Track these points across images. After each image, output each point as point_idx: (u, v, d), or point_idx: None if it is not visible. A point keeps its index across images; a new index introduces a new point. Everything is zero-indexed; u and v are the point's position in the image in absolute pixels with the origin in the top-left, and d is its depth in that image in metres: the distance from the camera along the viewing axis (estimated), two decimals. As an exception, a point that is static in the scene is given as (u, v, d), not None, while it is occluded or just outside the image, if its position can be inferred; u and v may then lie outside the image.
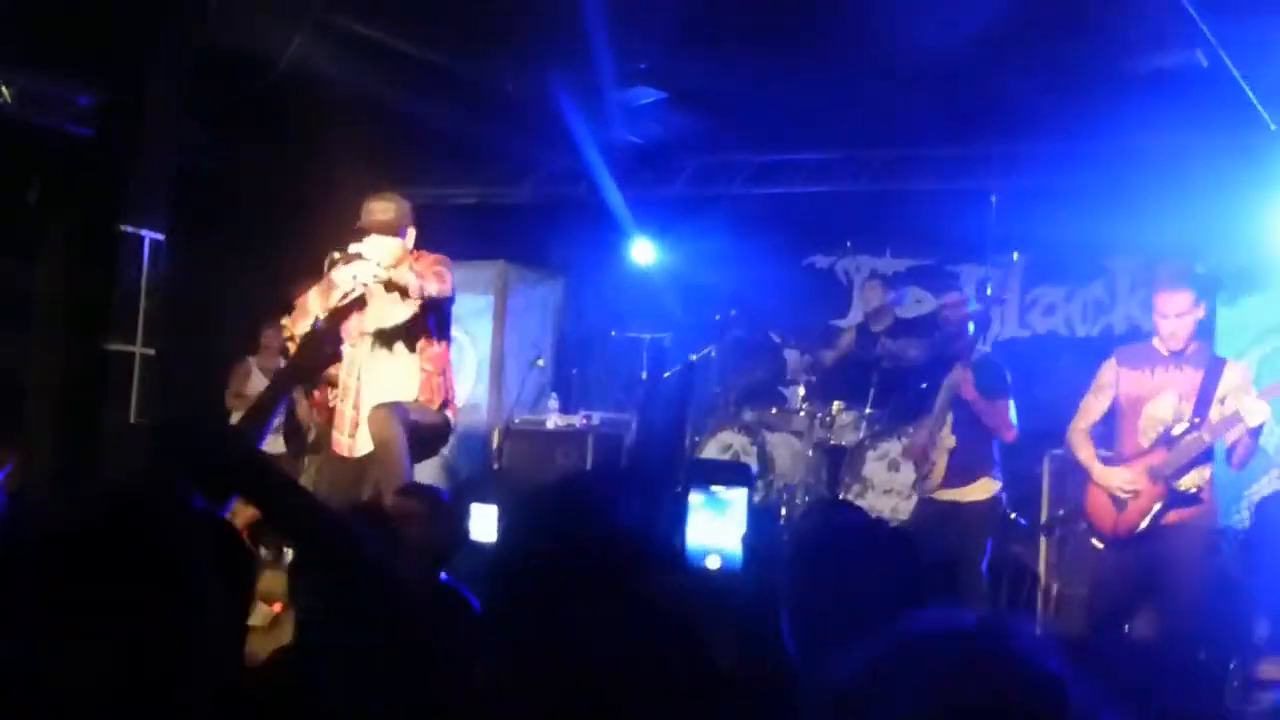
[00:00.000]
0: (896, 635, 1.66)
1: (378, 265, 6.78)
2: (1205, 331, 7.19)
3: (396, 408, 6.87)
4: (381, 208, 7.01)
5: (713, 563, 2.51)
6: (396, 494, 5.76)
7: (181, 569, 2.05)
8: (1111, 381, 6.95)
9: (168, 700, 1.98)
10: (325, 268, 7.04)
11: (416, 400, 7.08)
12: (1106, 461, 6.89)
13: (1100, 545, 6.93)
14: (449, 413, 7.26)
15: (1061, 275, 11.55)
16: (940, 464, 8.00)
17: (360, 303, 7.04)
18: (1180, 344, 6.71)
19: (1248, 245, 9.56)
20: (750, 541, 2.46)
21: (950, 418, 7.99)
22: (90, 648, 1.95)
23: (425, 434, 7.04)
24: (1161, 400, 6.73)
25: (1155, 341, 6.86)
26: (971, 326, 8.13)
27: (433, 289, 6.87)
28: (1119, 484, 6.74)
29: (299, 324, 7.01)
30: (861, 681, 1.63)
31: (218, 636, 2.12)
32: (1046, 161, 10.62)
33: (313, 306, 6.96)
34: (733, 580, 2.47)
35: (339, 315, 6.95)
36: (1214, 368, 6.70)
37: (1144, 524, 6.65)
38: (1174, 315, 6.70)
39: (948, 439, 7.96)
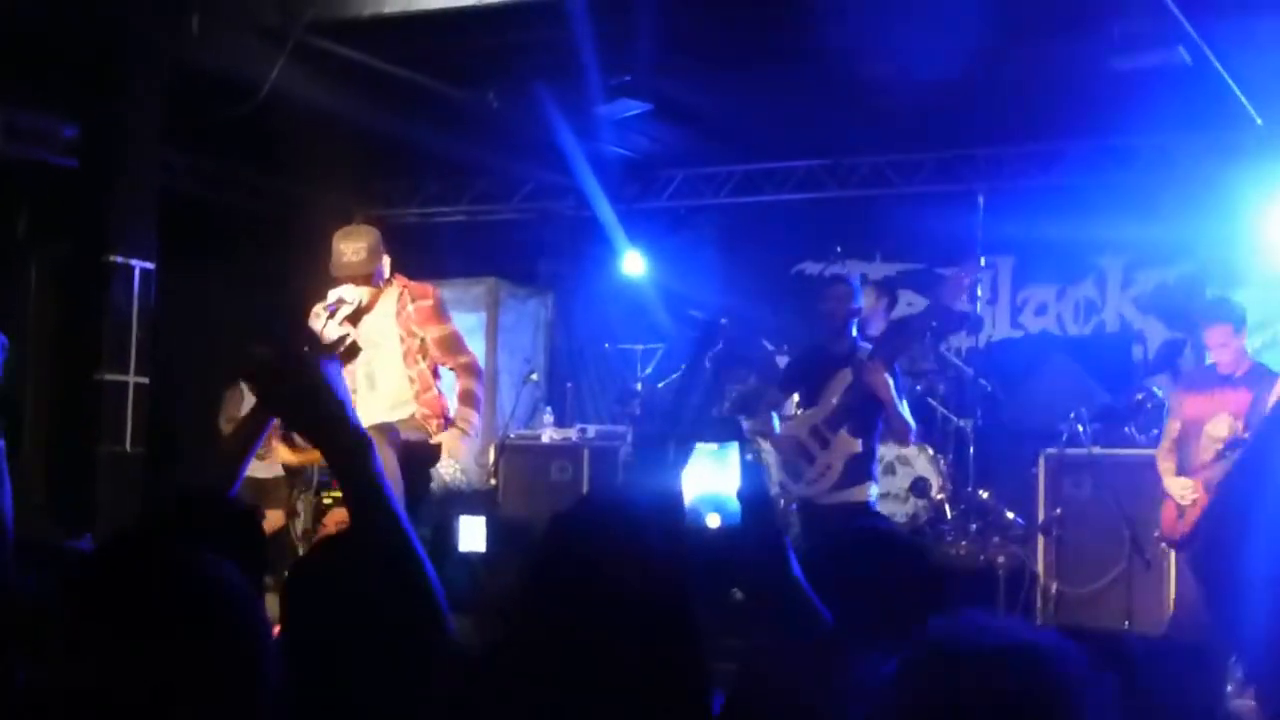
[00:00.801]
0: (924, 653, 1.65)
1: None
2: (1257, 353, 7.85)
3: (386, 429, 6.86)
4: (352, 249, 6.89)
5: (713, 521, 2.50)
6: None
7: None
8: (1177, 407, 7.79)
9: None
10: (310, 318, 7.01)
11: (412, 417, 7.08)
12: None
13: (1166, 547, 7.91)
14: (438, 425, 7.26)
15: (1051, 275, 11.56)
16: (837, 469, 7.44)
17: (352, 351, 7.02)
18: (1230, 368, 7.47)
19: (1236, 240, 9.58)
20: (745, 495, 2.45)
21: (848, 419, 7.40)
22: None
23: (419, 452, 7.03)
24: (1218, 420, 7.41)
25: (1217, 365, 7.58)
26: (855, 327, 7.72)
27: (434, 335, 7.01)
28: (1179, 492, 7.50)
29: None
30: (894, 690, 1.63)
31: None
32: (1033, 162, 10.66)
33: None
34: (734, 536, 2.46)
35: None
36: (1264, 386, 7.30)
37: (1194, 530, 7.38)
38: (1219, 346, 7.49)
39: (850, 443, 7.40)
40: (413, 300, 7.04)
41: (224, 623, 2.00)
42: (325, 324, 6.87)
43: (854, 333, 7.65)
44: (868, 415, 7.43)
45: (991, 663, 1.59)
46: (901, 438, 7.96)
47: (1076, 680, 1.58)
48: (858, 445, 7.36)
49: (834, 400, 7.44)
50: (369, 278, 6.90)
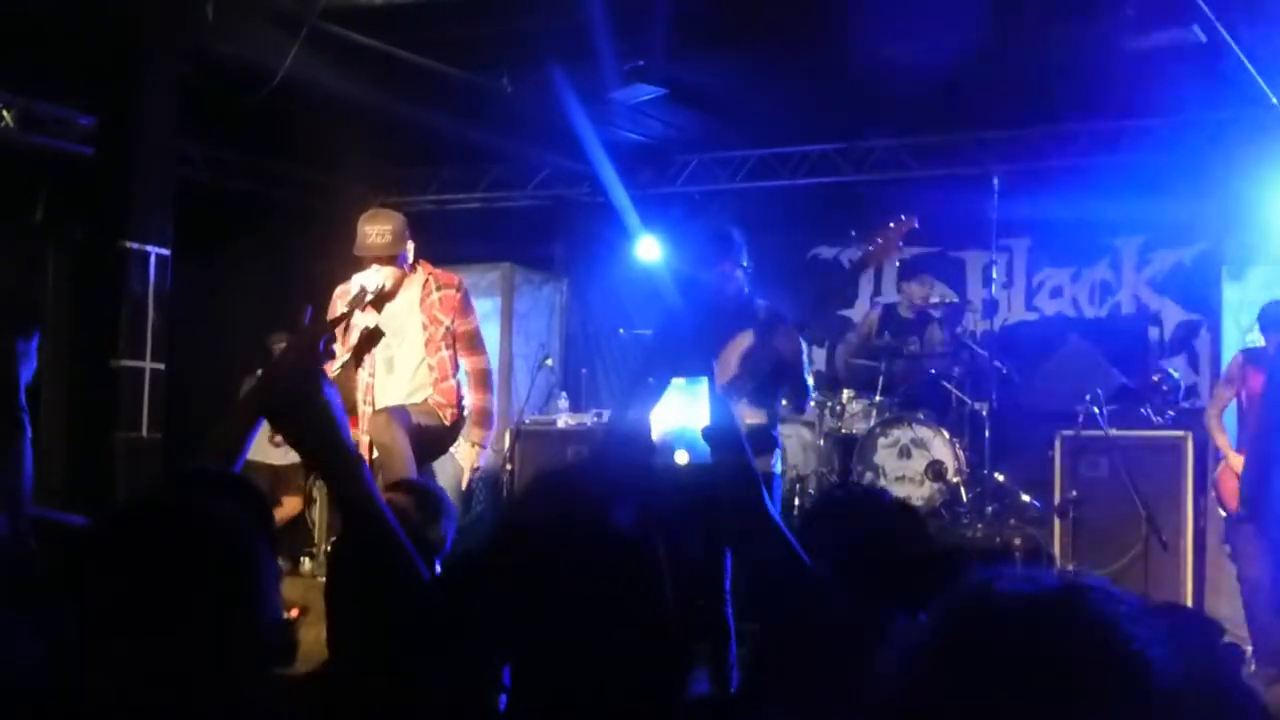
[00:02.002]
0: (964, 599, 1.60)
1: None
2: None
3: (397, 411, 6.88)
4: (377, 231, 6.93)
5: (681, 459, 2.49)
6: (386, 490, 5.75)
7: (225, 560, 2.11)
8: (1237, 376, 8.10)
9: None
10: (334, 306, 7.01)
11: (425, 402, 7.09)
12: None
13: (1225, 514, 8.09)
14: (454, 412, 7.27)
15: (1067, 257, 11.55)
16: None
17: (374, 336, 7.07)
18: None
19: (1252, 219, 9.55)
20: (715, 431, 2.44)
21: (750, 387, 6.73)
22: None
23: (430, 435, 7.04)
24: None
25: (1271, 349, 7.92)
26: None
27: (460, 327, 7.08)
28: (1240, 468, 7.78)
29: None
30: (932, 647, 1.58)
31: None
32: (1048, 143, 10.63)
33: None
34: (706, 473, 2.45)
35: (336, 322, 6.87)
36: None
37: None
38: None
39: (751, 413, 6.71)
40: (438, 288, 7.06)
41: (223, 553, 2.08)
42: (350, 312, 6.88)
43: (746, 290, 6.99)
44: (772, 382, 6.82)
45: (1039, 605, 1.55)
46: (799, 407, 7.50)
47: (1127, 619, 1.55)
48: (761, 416, 6.72)
49: (733, 364, 6.76)
50: (393, 259, 6.92)
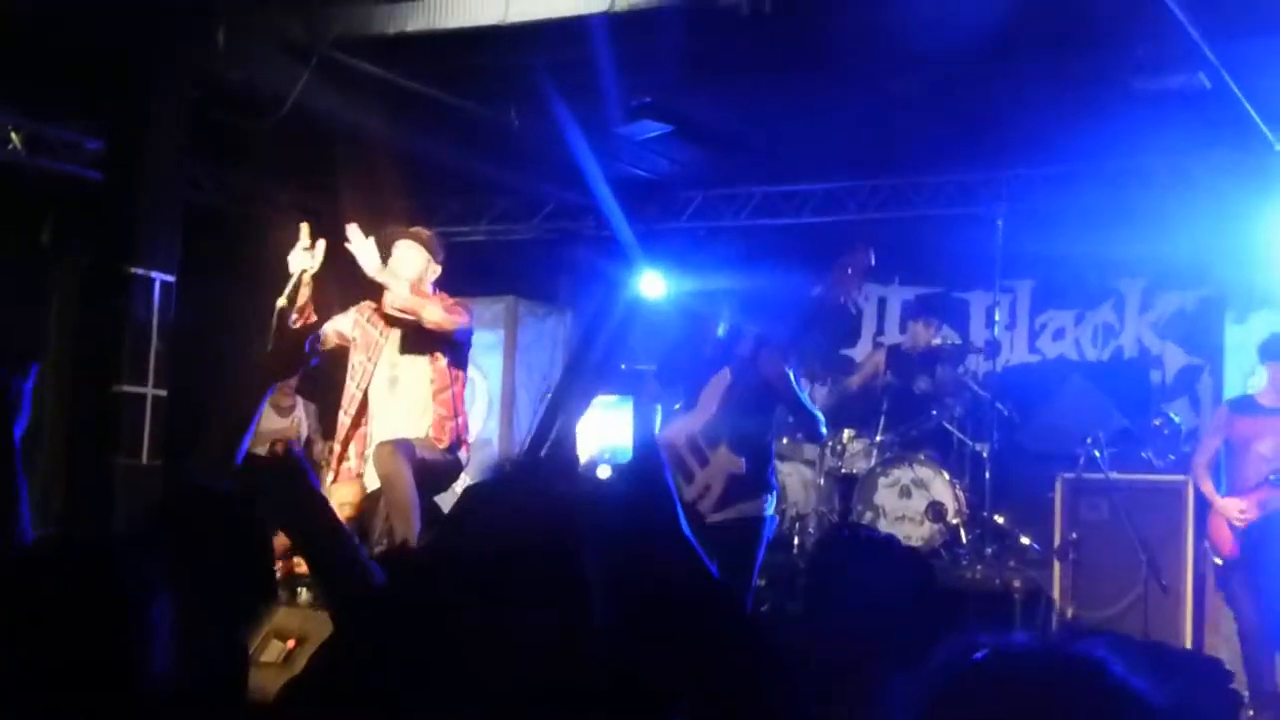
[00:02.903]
0: (965, 657, 1.60)
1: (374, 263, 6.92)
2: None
3: (401, 444, 6.89)
4: (420, 229, 7.46)
5: (603, 474, 2.51)
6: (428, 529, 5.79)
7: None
8: (1223, 425, 8.30)
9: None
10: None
11: (425, 437, 7.10)
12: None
13: (1219, 562, 8.17)
14: (462, 452, 7.28)
15: (1070, 299, 11.56)
16: (716, 491, 6.47)
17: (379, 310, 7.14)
18: (1272, 401, 8.06)
19: (1255, 263, 9.57)
20: (634, 448, 2.47)
21: (729, 429, 6.54)
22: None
23: (434, 469, 7.04)
24: (1265, 441, 7.96)
25: (1257, 395, 8.26)
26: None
27: (451, 325, 7.00)
28: (1235, 512, 7.98)
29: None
30: (934, 703, 1.58)
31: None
32: (1052, 184, 10.64)
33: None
34: (622, 490, 2.47)
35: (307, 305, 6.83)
36: None
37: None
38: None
39: (730, 460, 6.48)
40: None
41: (104, 617, 2.09)
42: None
43: (724, 330, 6.87)
44: (754, 424, 6.63)
45: (1040, 672, 1.55)
46: (813, 434, 7.42)
47: (1130, 689, 1.55)
48: (740, 464, 6.46)
49: (713, 406, 6.59)
50: (427, 245, 7.33)
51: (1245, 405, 8.26)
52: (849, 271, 6.91)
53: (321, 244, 6.69)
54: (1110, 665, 1.54)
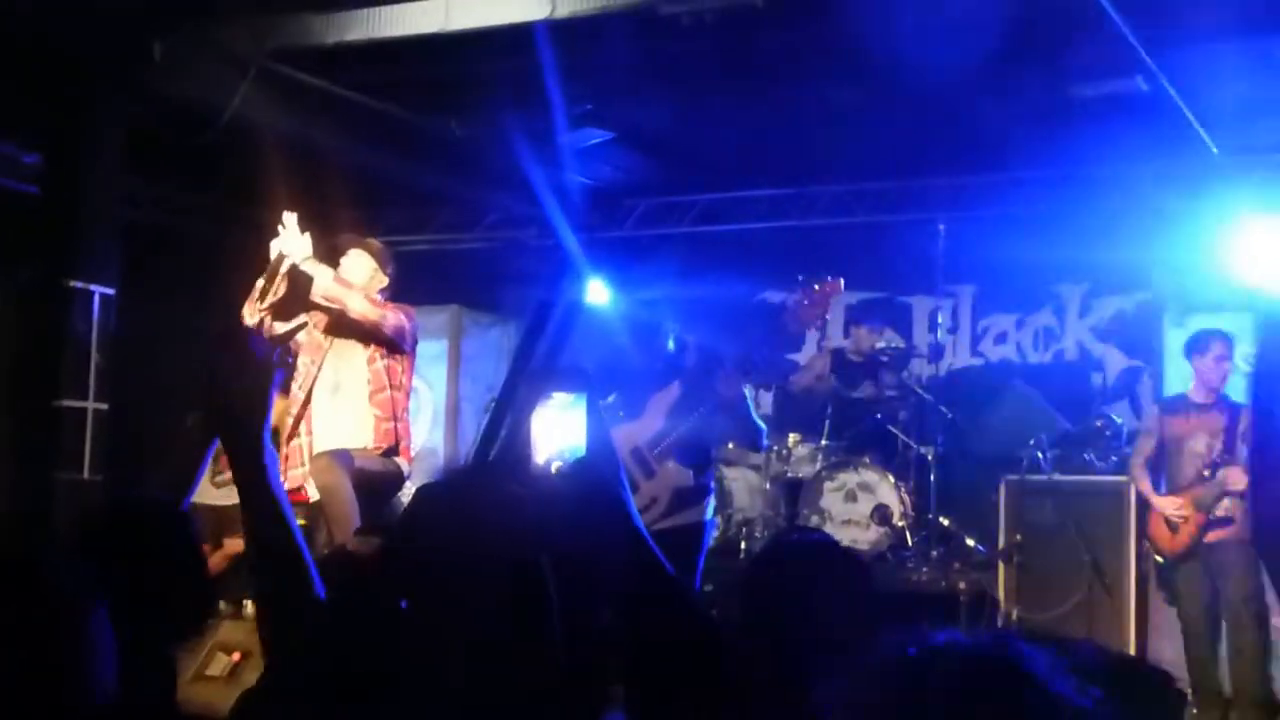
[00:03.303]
0: (897, 649, 1.61)
1: (305, 251, 6.87)
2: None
3: (339, 454, 6.86)
4: (373, 240, 7.52)
5: (556, 470, 2.53)
6: (355, 534, 5.74)
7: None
8: (1155, 426, 8.37)
9: None
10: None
11: (364, 448, 7.07)
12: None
13: (1160, 560, 8.21)
14: (400, 459, 7.23)
15: (1011, 303, 11.66)
16: (664, 501, 6.50)
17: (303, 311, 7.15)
18: (1203, 397, 8.14)
19: (1193, 267, 9.66)
20: (587, 447, 2.49)
21: (679, 446, 6.52)
22: None
23: (373, 480, 7.00)
24: (1198, 439, 8.06)
25: (1188, 392, 8.26)
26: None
27: (375, 316, 6.98)
28: (1172, 510, 8.04)
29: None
30: (858, 702, 1.60)
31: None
32: (993, 191, 10.72)
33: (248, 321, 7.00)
34: (570, 483, 2.50)
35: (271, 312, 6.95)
36: (1234, 412, 8.03)
37: (1190, 543, 7.95)
38: (1213, 379, 8.14)
39: (680, 475, 6.50)
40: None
41: (42, 631, 2.08)
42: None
43: (672, 346, 6.90)
44: (702, 437, 6.64)
45: (960, 667, 1.57)
46: (755, 445, 7.81)
47: (1048, 685, 1.56)
48: (689, 477, 6.52)
49: (660, 419, 6.58)
50: (376, 256, 7.35)
51: (1176, 404, 8.34)
52: (817, 300, 6.79)
53: (308, 237, 6.81)
54: (1032, 666, 1.55)
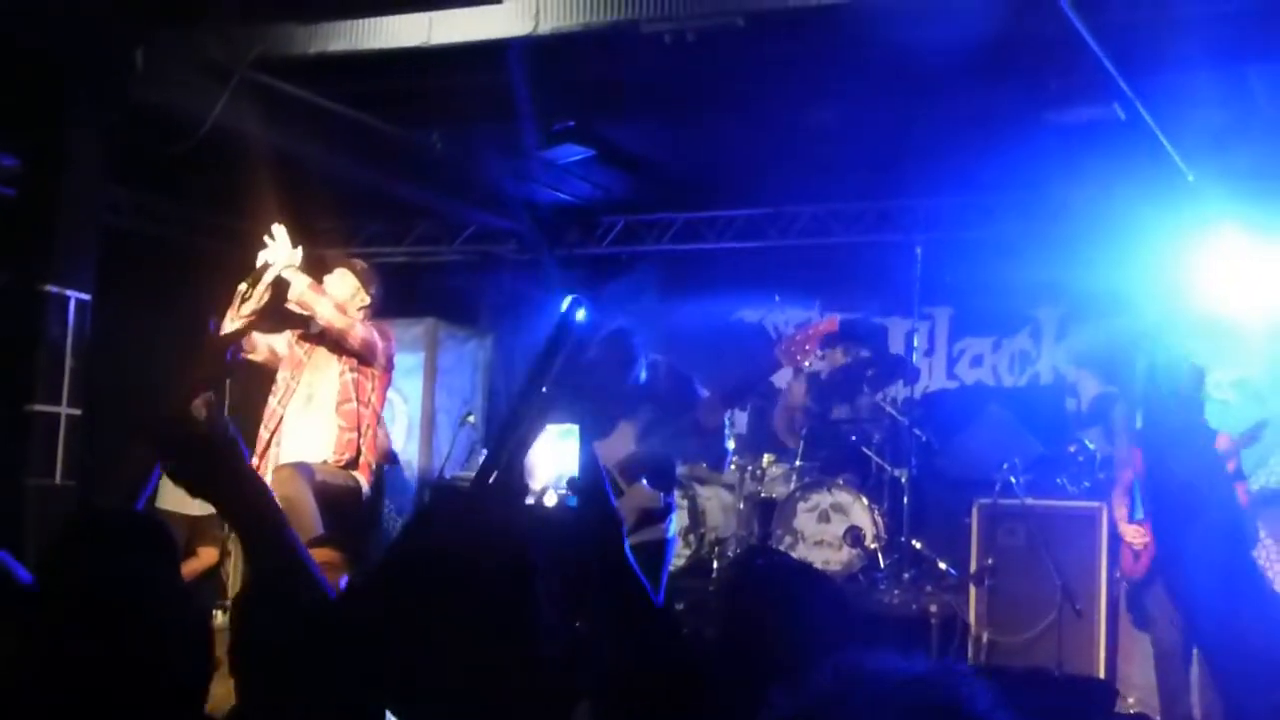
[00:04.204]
0: (842, 673, 1.63)
1: (286, 268, 6.93)
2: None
3: (300, 467, 6.89)
4: (368, 268, 7.64)
5: (550, 500, 2.56)
6: (310, 545, 5.73)
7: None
8: (1127, 459, 8.53)
9: None
10: (237, 298, 7.11)
11: (325, 462, 7.10)
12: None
13: (1127, 585, 8.46)
14: (359, 473, 7.26)
15: (987, 326, 11.69)
16: (630, 521, 6.15)
17: (281, 315, 7.22)
18: None
19: (1167, 294, 9.69)
20: (580, 476, 2.50)
21: (646, 469, 6.51)
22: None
23: (335, 494, 7.04)
24: None
25: None
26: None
27: (342, 324, 7.02)
28: (1131, 537, 8.25)
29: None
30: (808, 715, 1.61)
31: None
32: (971, 213, 10.76)
33: (228, 327, 7.09)
34: (570, 516, 2.52)
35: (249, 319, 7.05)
36: None
37: (1153, 567, 8.11)
38: None
39: (648, 497, 6.43)
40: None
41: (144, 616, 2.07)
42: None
43: (643, 376, 6.82)
44: (671, 460, 6.73)
45: (896, 700, 1.58)
46: (719, 466, 7.76)
47: (985, 712, 1.57)
48: (658, 499, 6.46)
49: (630, 441, 6.66)
50: (358, 274, 7.49)
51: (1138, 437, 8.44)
52: (810, 338, 7.18)
53: (299, 250, 6.88)
54: (972, 704, 1.56)
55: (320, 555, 5.34)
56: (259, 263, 6.96)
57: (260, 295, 6.93)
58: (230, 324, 7.03)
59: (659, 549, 6.60)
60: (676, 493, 10.04)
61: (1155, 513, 8.10)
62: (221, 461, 2.55)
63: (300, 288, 7.01)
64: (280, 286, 7.00)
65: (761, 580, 3.12)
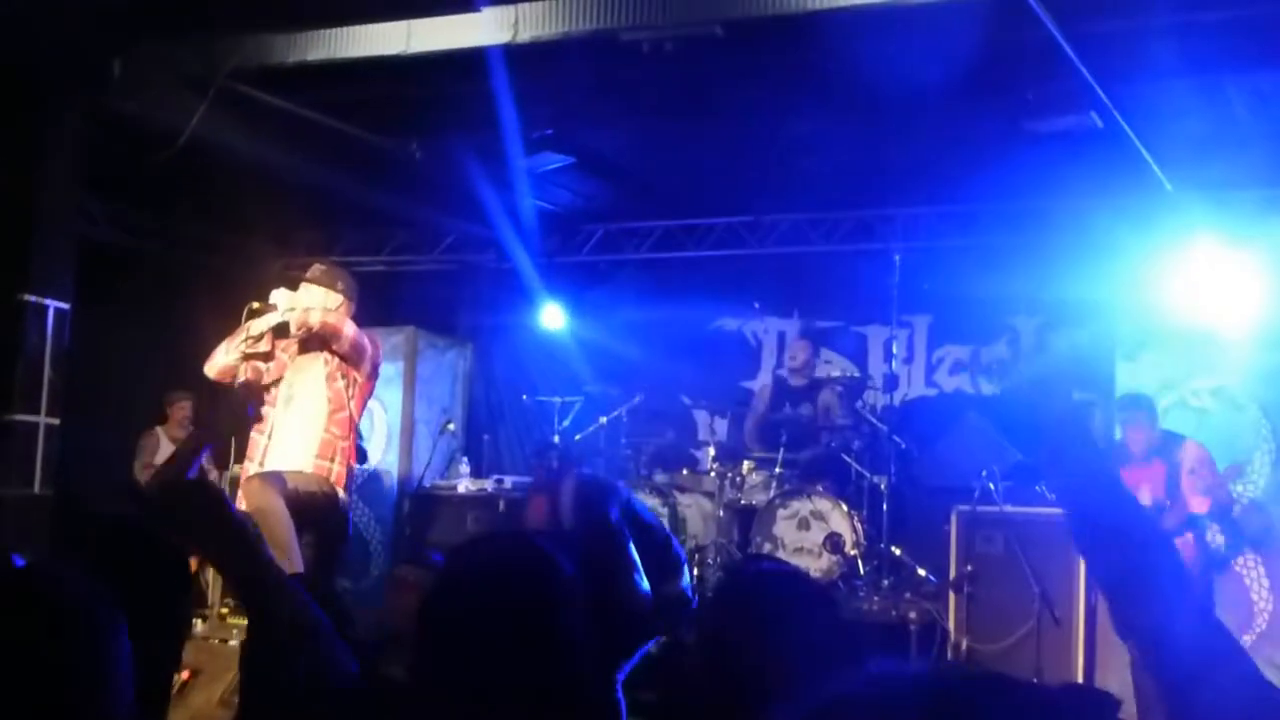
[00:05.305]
0: (849, 687, 1.60)
1: (287, 312, 7.01)
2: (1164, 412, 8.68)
3: (271, 476, 6.89)
4: (326, 269, 7.59)
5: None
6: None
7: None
8: None
9: None
10: (244, 316, 7.19)
11: (301, 471, 7.10)
12: None
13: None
14: (334, 481, 7.27)
15: (966, 334, 11.71)
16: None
17: (269, 357, 7.24)
18: (1141, 448, 8.36)
19: (1145, 303, 9.73)
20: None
21: None
22: None
23: (310, 502, 7.05)
24: (1141, 492, 8.02)
25: (1128, 443, 8.45)
26: None
27: (335, 321, 7.06)
28: None
29: (210, 370, 7.21)
30: None
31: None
32: (949, 222, 10.80)
33: (220, 357, 7.10)
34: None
35: (257, 378, 7.12)
36: (1172, 451, 8.27)
37: None
38: (1134, 439, 8.41)
39: None
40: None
41: (67, 646, 2.04)
42: (254, 322, 7.10)
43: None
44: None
45: (901, 705, 1.57)
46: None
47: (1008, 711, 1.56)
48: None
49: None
50: (332, 284, 7.44)
51: (1121, 456, 8.39)
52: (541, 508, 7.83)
53: (301, 293, 7.19)
54: (970, 697, 1.55)
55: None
56: (261, 325, 7.08)
57: (259, 338, 7.02)
58: (225, 356, 7.10)
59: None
60: (655, 500, 10.07)
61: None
62: (209, 515, 2.57)
63: (294, 319, 7.12)
64: (280, 330, 7.14)
65: (754, 587, 3.12)
